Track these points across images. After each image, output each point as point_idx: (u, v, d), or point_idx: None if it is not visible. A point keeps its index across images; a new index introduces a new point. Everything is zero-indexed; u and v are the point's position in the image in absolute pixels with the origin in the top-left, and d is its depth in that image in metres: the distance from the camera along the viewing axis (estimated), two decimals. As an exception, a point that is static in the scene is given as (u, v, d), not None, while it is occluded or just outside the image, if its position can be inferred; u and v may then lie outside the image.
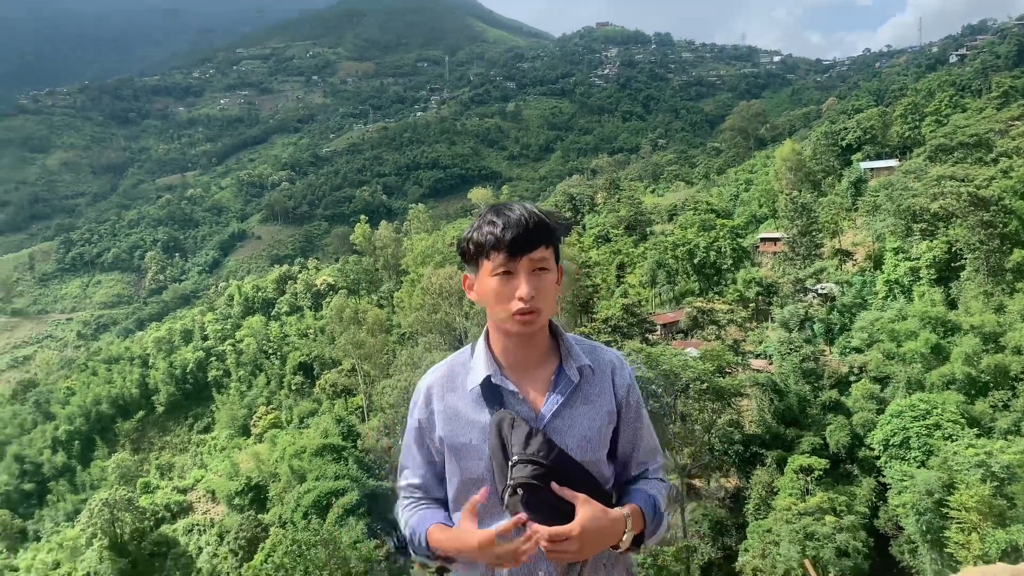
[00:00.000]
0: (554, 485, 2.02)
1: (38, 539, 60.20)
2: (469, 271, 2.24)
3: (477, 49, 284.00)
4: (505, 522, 1.99)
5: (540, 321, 2.15)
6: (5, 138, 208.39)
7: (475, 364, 2.25)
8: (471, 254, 2.18)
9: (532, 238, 2.10)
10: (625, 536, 2.10)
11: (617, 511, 2.11)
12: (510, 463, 2.03)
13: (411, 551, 2.26)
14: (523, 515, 1.98)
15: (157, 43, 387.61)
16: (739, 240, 58.03)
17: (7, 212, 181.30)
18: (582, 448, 2.16)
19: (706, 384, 33.04)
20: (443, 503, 2.34)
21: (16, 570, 53.81)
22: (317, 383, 65.32)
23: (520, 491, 2.00)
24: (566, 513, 2.00)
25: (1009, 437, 28.15)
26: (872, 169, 64.61)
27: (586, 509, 2.01)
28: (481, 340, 2.31)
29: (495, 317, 2.18)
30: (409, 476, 2.38)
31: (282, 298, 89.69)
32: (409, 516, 2.30)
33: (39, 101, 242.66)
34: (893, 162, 64.04)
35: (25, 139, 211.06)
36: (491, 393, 2.19)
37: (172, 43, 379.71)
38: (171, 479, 60.23)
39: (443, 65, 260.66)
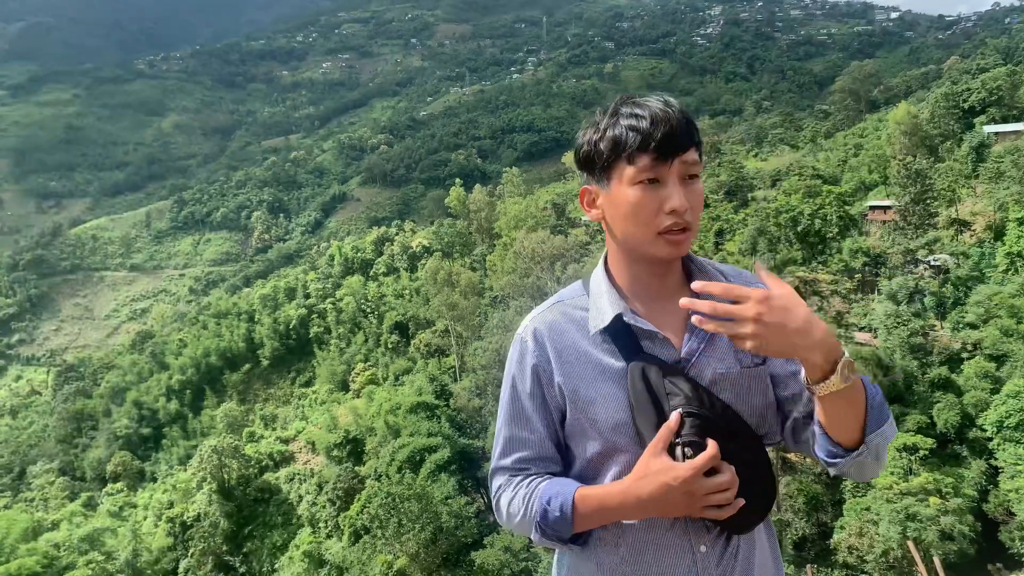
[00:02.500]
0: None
1: (154, 480, 64.41)
2: (590, 182, 1.76)
3: (576, 9, 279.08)
4: (709, 450, 1.56)
5: (690, 242, 1.70)
6: (124, 102, 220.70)
7: (596, 302, 1.78)
8: (601, 159, 1.69)
9: (684, 135, 1.65)
10: (840, 366, 1.50)
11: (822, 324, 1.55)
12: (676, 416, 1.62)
13: (537, 531, 1.71)
14: (715, 446, 1.57)
15: (264, 6, 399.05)
16: (846, 208, 55.38)
17: (127, 172, 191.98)
18: (736, 396, 1.72)
19: (806, 356, 31.98)
20: None
21: (135, 507, 57.94)
22: (412, 342, 66.66)
23: (689, 449, 1.59)
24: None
25: None
26: (997, 133, 60.32)
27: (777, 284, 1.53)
28: (599, 272, 1.84)
29: (632, 239, 1.71)
30: (517, 450, 1.81)
31: (379, 259, 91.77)
32: (532, 488, 1.74)
33: (154, 66, 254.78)
34: (1021, 126, 59.63)
35: (142, 103, 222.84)
36: (622, 335, 1.73)
37: (278, 6, 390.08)
38: (274, 429, 62.97)
39: (541, 26, 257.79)
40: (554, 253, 54.85)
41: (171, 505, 51.75)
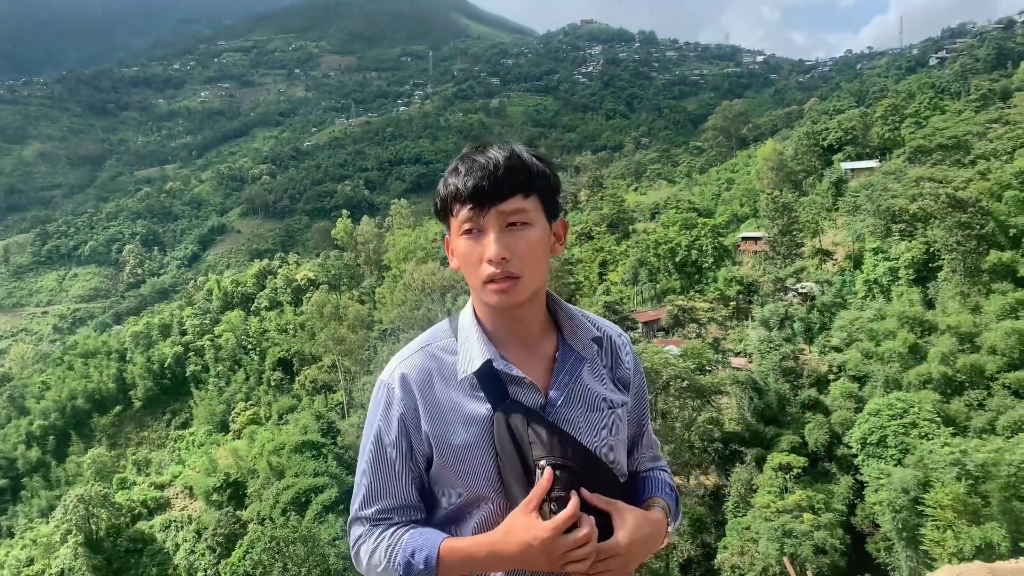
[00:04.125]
0: (586, 493, 1.65)
1: (11, 535, 59.44)
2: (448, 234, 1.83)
3: (461, 44, 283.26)
4: (568, 509, 1.58)
5: (521, 290, 1.69)
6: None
7: (465, 346, 1.78)
8: (441, 215, 1.79)
9: (501, 185, 1.66)
10: (666, 539, 1.81)
11: (656, 512, 1.79)
12: (538, 467, 1.63)
13: None
14: (575, 504, 1.59)
15: (139, 32, 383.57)
16: (720, 239, 58.30)
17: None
18: (599, 438, 1.76)
19: (686, 382, 33.18)
20: None
21: (-11, 566, 53.11)
22: (296, 379, 64.92)
23: (555, 505, 1.61)
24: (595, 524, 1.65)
25: (984, 436, 28.47)
26: (853, 169, 65.16)
27: (628, 518, 1.68)
28: (467, 314, 1.85)
29: (471, 286, 1.77)
30: (380, 500, 1.77)
31: (262, 293, 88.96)
32: (395, 539, 1.71)
33: (15, 91, 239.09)
34: (873, 163, 64.62)
35: (0, 129, 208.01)
36: (489, 380, 1.73)
37: (153, 32, 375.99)
38: (148, 475, 59.65)
39: (427, 60, 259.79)
40: (444, 285, 54.80)
41: (31, 562, 47.85)
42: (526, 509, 1.60)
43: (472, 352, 1.76)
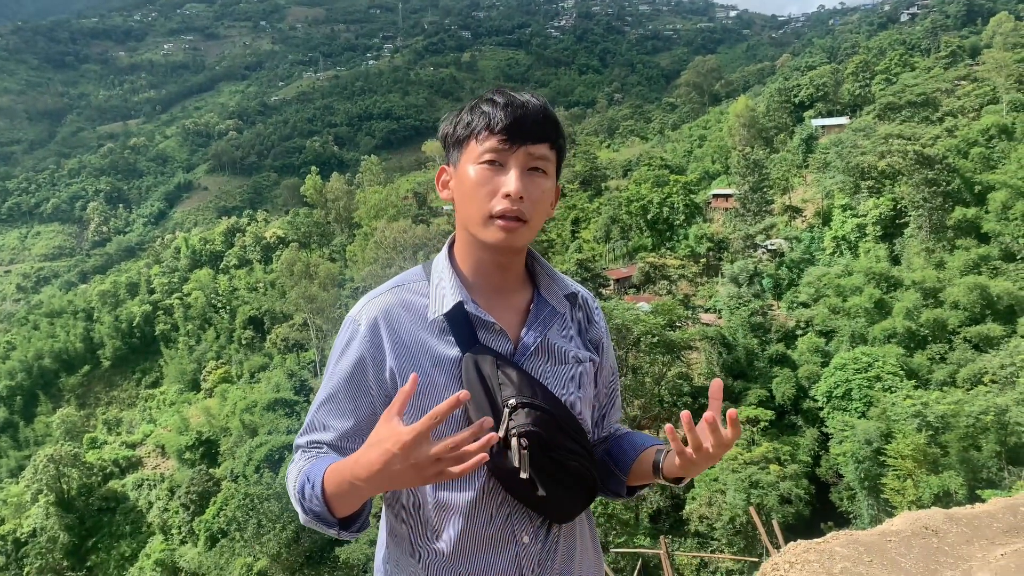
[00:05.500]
0: (716, 382, 1.56)
1: (-19, 496, 59.11)
2: (447, 162, 1.77)
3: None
4: (445, 404, 1.33)
5: (523, 235, 1.65)
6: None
7: (437, 288, 1.73)
8: (456, 139, 1.70)
9: (537, 127, 1.64)
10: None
11: None
12: (508, 408, 1.56)
13: (300, 507, 1.59)
14: (463, 394, 1.34)
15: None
16: (692, 196, 58.48)
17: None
18: (566, 391, 1.72)
19: (657, 338, 33.55)
20: None
21: (-41, 527, 52.79)
22: (268, 337, 64.61)
23: (524, 439, 1.54)
24: (566, 470, 1.61)
25: (944, 388, 29.28)
26: (823, 126, 65.42)
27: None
28: (442, 259, 1.79)
29: (468, 220, 1.68)
30: (317, 431, 1.70)
31: (230, 251, 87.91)
32: (303, 466, 1.62)
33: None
34: (844, 120, 64.90)
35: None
36: (460, 323, 1.68)
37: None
38: (119, 434, 59.41)
39: (396, 12, 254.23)
40: (416, 242, 54.51)
41: (1, 522, 47.76)
42: (387, 416, 1.40)
43: (444, 294, 1.71)
